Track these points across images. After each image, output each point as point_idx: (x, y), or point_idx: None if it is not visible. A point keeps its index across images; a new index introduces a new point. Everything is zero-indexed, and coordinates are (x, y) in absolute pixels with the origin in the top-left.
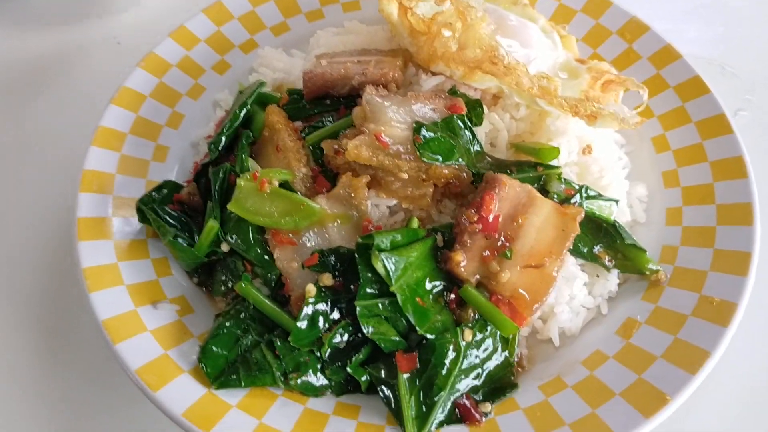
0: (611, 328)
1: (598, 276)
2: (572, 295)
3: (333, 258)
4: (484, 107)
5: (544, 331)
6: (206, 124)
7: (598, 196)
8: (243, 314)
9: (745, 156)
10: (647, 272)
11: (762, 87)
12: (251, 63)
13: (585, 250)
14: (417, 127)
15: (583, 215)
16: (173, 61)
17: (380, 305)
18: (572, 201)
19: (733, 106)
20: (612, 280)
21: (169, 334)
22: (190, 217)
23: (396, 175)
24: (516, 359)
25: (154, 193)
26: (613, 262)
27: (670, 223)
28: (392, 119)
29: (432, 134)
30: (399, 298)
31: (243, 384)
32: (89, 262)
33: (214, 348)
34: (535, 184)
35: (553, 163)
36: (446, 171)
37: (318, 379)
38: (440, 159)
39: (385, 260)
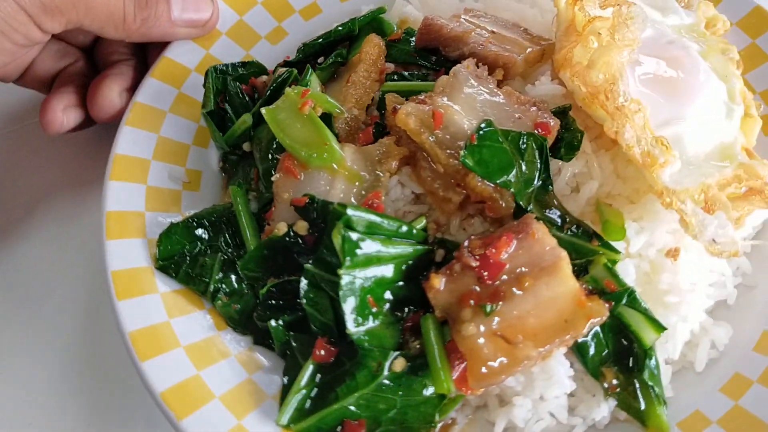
0: None
1: (593, 396)
2: (544, 396)
3: (318, 210)
4: (589, 147)
5: (493, 413)
6: None
7: (644, 312)
8: (224, 216)
9: None
10: (649, 426)
11: None
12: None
13: (592, 355)
14: (482, 125)
15: (602, 320)
16: None
17: (329, 281)
18: (608, 298)
19: None
20: (603, 408)
21: (160, 198)
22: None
23: (432, 164)
24: (446, 422)
25: (239, 67)
26: (617, 390)
27: (726, 391)
28: (465, 104)
29: (492, 142)
30: (341, 282)
31: (177, 279)
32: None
33: (177, 235)
34: (580, 259)
35: (617, 245)
36: (480, 186)
37: (243, 316)
38: (481, 171)
39: (349, 237)
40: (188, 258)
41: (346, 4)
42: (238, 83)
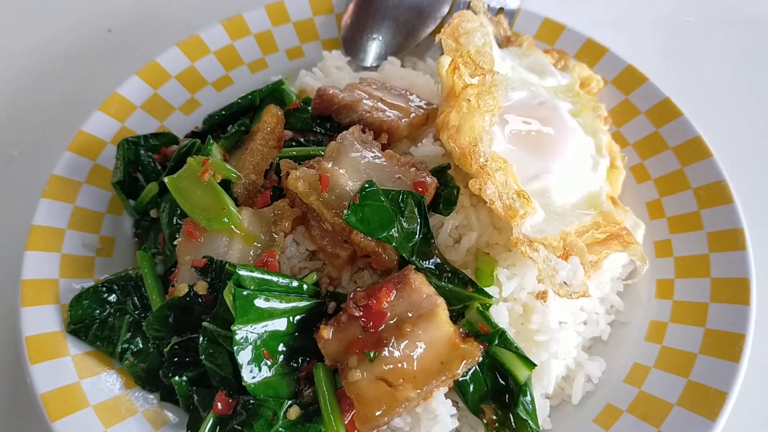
0: None
1: None
2: None
3: (216, 271)
4: (468, 201)
5: None
6: None
7: (515, 351)
8: (133, 280)
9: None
10: None
11: None
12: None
13: (471, 393)
14: (364, 186)
15: (476, 360)
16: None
17: (225, 336)
18: (482, 339)
19: None
20: None
21: (74, 265)
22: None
23: (321, 223)
24: None
25: (151, 138)
26: (496, 425)
27: (599, 422)
28: (351, 167)
29: (373, 201)
30: (235, 337)
31: (87, 341)
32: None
33: (86, 301)
34: (458, 304)
35: (492, 290)
36: (364, 242)
37: (150, 374)
38: (363, 228)
39: (240, 295)
40: (98, 321)
41: (256, 75)
42: (150, 153)
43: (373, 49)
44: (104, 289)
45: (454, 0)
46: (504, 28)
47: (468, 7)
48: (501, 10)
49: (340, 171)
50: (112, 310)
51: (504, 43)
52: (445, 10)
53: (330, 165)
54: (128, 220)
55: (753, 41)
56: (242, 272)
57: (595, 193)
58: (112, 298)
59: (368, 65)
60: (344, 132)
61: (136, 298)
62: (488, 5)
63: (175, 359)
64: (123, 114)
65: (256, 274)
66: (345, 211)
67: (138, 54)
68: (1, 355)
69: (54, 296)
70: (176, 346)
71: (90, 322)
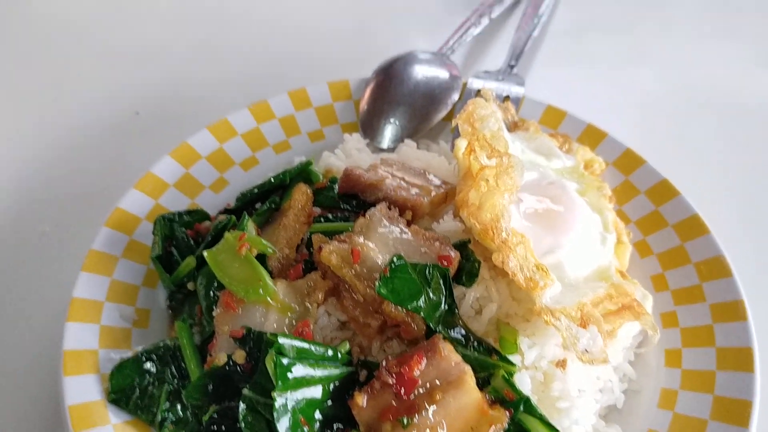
0: None
1: None
2: None
3: (254, 340)
4: (488, 274)
5: None
6: None
7: (540, 417)
8: (171, 350)
9: None
10: None
11: None
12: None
13: None
14: (394, 259)
15: (503, 426)
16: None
17: (264, 404)
18: (507, 406)
19: None
20: None
21: (112, 336)
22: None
23: (353, 294)
24: None
25: (185, 214)
26: None
27: None
28: (379, 241)
29: (402, 273)
30: (275, 404)
31: (128, 410)
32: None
33: (127, 370)
34: (483, 372)
35: (514, 358)
36: (394, 312)
37: None
38: (394, 298)
39: (281, 362)
40: (138, 390)
41: (280, 156)
42: (183, 229)
43: (390, 132)
44: (143, 358)
45: (463, 88)
46: (512, 113)
47: (477, 94)
48: (507, 97)
49: (370, 245)
50: (151, 380)
51: (512, 127)
52: (456, 97)
53: (361, 239)
54: (162, 292)
55: (734, 126)
56: (282, 341)
57: (605, 266)
58: (151, 367)
59: (385, 147)
60: (372, 209)
61: (173, 367)
62: (495, 93)
63: (213, 427)
64: (157, 192)
65: (296, 343)
66: (376, 283)
67: (161, 136)
68: (44, 424)
69: (94, 366)
70: (215, 415)
71: (130, 391)
